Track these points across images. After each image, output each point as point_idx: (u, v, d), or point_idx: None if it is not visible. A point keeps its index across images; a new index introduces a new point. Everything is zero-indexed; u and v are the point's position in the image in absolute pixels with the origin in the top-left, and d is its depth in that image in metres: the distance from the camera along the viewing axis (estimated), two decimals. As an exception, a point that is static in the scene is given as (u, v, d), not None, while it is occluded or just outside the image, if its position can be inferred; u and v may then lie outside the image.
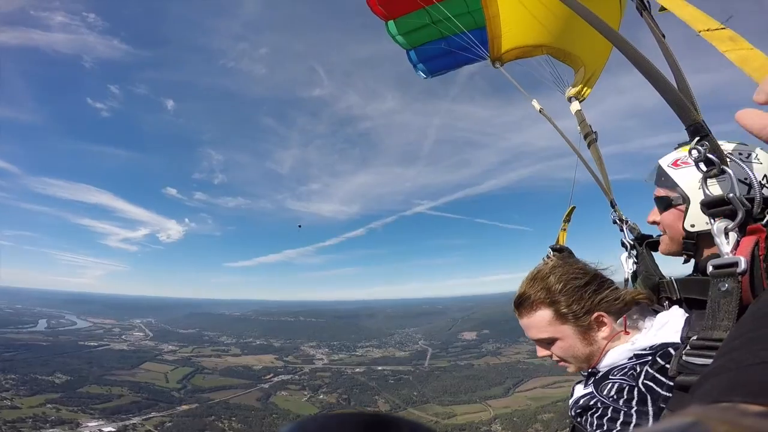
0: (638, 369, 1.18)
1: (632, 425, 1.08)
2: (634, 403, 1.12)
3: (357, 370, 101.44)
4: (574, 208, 2.15)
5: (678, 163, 1.30)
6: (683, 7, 1.09)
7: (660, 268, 1.68)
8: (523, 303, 1.39)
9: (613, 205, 2.03)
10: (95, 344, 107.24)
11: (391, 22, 2.93)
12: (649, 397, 1.10)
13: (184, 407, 68.63)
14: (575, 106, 2.04)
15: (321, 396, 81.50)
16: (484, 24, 2.27)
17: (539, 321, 1.35)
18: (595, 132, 1.87)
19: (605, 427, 1.16)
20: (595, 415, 1.21)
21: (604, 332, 1.33)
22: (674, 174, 1.29)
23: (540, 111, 2.06)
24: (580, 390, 1.41)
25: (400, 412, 76.28)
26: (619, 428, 1.11)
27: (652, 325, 1.30)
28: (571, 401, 1.41)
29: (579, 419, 1.31)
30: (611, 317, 1.34)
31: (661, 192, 1.38)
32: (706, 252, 1.25)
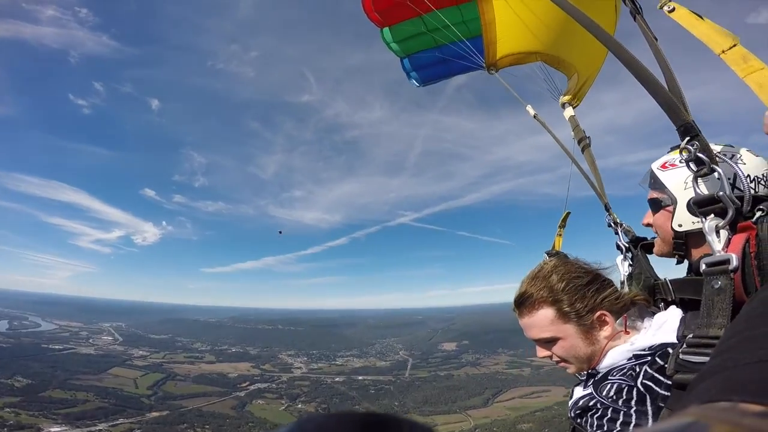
0: (637, 369, 1.17)
1: (632, 425, 1.09)
2: (633, 403, 1.12)
3: (337, 379, 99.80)
4: (569, 213, 2.16)
5: (666, 165, 1.34)
6: (698, 25, 1.09)
7: (655, 270, 1.71)
8: (524, 302, 1.35)
9: (607, 209, 2.04)
10: (60, 347, 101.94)
11: (386, 29, 2.93)
12: (648, 397, 1.10)
13: (154, 414, 65.67)
14: (569, 111, 2.07)
15: (299, 405, 79.67)
16: (478, 33, 2.31)
17: (541, 320, 1.32)
18: (588, 137, 1.91)
19: (605, 428, 1.16)
20: (595, 416, 1.21)
21: (605, 332, 1.32)
22: (663, 176, 1.33)
23: (534, 116, 2.09)
24: (579, 391, 1.40)
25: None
26: (618, 428, 1.12)
27: (651, 326, 1.30)
28: (570, 402, 1.40)
29: (579, 420, 1.30)
30: (612, 317, 1.33)
31: (653, 194, 1.40)
32: (695, 252, 1.28)
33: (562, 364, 1.37)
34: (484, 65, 2.37)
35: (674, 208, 1.29)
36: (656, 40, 1.27)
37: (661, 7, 1.18)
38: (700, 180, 1.03)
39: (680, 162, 1.18)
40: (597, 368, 1.32)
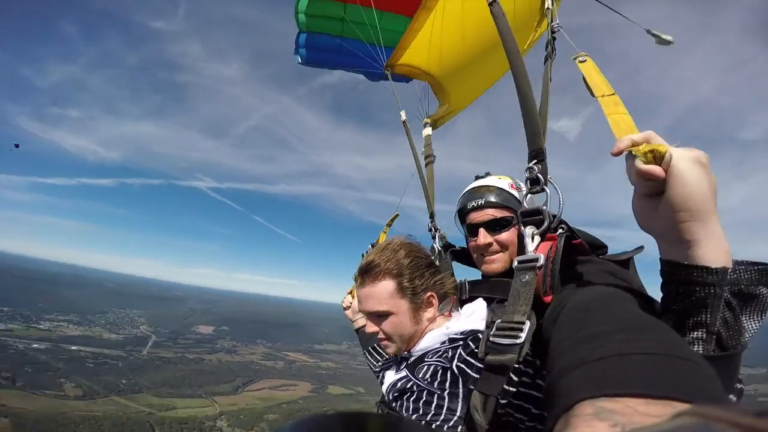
0: (451, 352, 1.23)
1: (444, 407, 1.15)
2: (447, 385, 1.18)
3: (36, 345, 75.27)
4: (397, 215, 2.37)
5: (513, 186, 1.51)
6: (595, 76, 1.29)
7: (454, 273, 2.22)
8: (369, 271, 1.38)
9: (432, 217, 2.28)
10: None
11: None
12: (460, 380, 1.16)
13: None
14: (427, 131, 2.35)
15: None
16: (392, 45, 2.44)
17: (381, 291, 1.36)
18: (434, 156, 2.32)
19: (420, 411, 1.20)
20: (411, 398, 1.25)
21: (429, 313, 1.39)
22: (518, 195, 1.45)
23: (404, 122, 2.30)
24: (391, 375, 1.45)
25: (97, 398, 61.66)
26: (433, 411, 1.17)
27: (461, 314, 1.39)
28: (385, 386, 1.44)
29: (395, 404, 1.33)
30: (437, 300, 1.42)
31: (503, 213, 1.50)
32: None
33: (385, 342, 1.41)
34: (382, 66, 2.48)
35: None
36: (550, 81, 1.49)
37: (575, 59, 1.38)
38: (530, 196, 1.24)
39: (517, 186, 1.49)
40: (412, 351, 1.39)
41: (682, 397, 0.42)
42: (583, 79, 1.31)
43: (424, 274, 1.38)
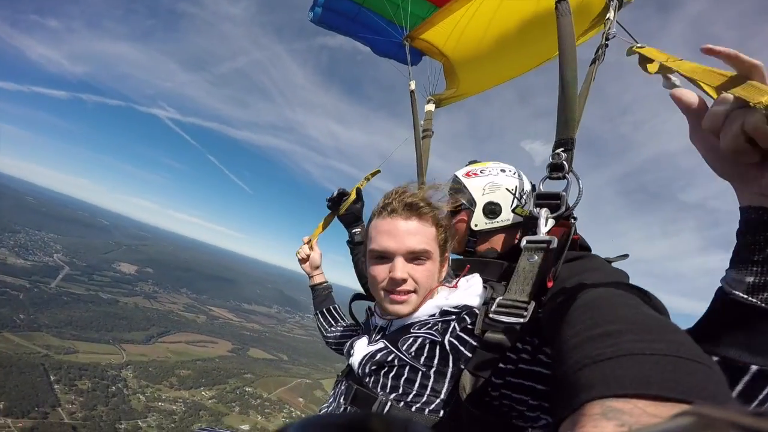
0: (442, 326, 1.10)
1: (428, 387, 1.03)
2: (435, 362, 1.04)
3: None
4: (379, 171, 2.30)
5: (470, 174, 1.54)
6: (658, 53, 1.30)
7: None
8: (418, 208, 1.19)
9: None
10: None
11: None
12: (451, 357, 1.03)
13: None
14: (430, 107, 2.43)
15: None
16: (405, 25, 2.49)
17: (425, 230, 1.19)
18: (432, 132, 2.41)
19: (400, 390, 1.06)
20: (390, 374, 1.10)
21: (443, 275, 1.27)
22: (467, 182, 1.51)
23: (411, 92, 2.34)
24: (363, 345, 1.27)
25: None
26: (414, 391, 1.04)
27: (459, 286, 1.24)
28: (357, 358, 1.22)
29: (368, 379, 1.15)
30: (448, 266, 1.31)
31: (451, 201, 1.55)
32: (481, 247, 1.49)
33: (406, 296, 1.18)
34: (402, 37, 2.51)
35: (473, 211, 1.46)
36: (593, 80, 1.54)
37: (635, 48, 1.32)
38: (548, 181, 1.25)
39: (480, 172, 1.49)
40: (395, 320, 1.22)
41: (691, 399, 0.42)
42: (641, 58, 1.28)
43: (451, 235, 1.27)
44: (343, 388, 1.24)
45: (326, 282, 2.05)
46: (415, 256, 1.16)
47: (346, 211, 2.01)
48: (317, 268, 2.04)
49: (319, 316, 1.94)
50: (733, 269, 0.67)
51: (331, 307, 1.95)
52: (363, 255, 1.39)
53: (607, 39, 1.56)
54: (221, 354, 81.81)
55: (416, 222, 1.17)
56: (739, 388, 0.60)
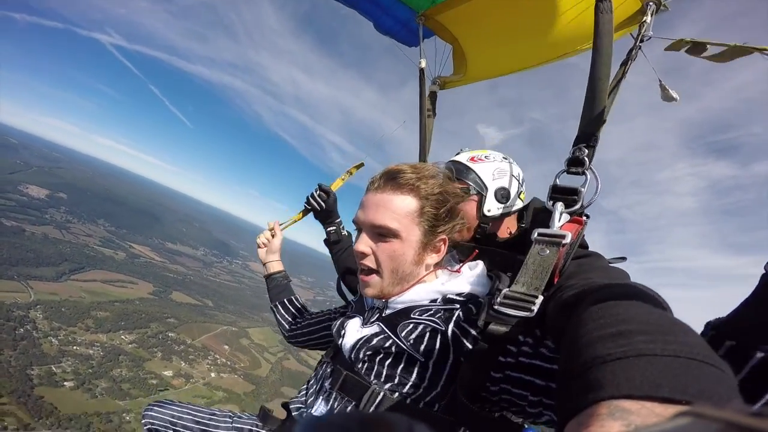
0: (445, 313, 1.01)
1: (426, 379, 0.97)
2: (435, 352, 0.96)
3: None
4: (363, 164, 2.20)
5: (475, 159, 1.52)
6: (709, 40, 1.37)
7: None
8: (396, 178, 1.09)
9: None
10: None
11: None
12: (452, 348, 0.95)
13: None
14: (434, 88, 2.35)
15: None
16: (413, 7, 2.43)
17: (398, 205, 1.07)
18: (435, 112, 2.31)
19: (396, 380, 0.99)
20: (386, 362, 1.01)
21: (432, 259, 1.13)
22: (475, 167, 1.49)
23: (421, 70, 2.29)
24: (356, 326, 1.16)
25: None
26: (411, 382, 0.97)
27: (462, 273, 1.15)
28: (352, 340, 1.11)
29: (360, 365, 1.06)
30: (446, 249, 1.16)
31: (457, 185, 1.46)
32: (490, 233, 1.50)
33: (368, 277, 1.11)
34: (416, 15, 2.43)
35: (484, 196, 1.46)
36: (623, 77, 1.48)
37: (682, 43, 1.46)
38: (564, 175, 1.23)
39: (485, 158, 1.51)
40: (390, 302, 1.12)
41: (701, 401, 0.41)
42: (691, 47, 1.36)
43: (447, 212, 1.13)
44: (328, 371, 1.20)
45: (283, 271, 1.85)
46: (379, 232, 1.09)
47: (320, 207, 1.90)
48: (274, 254, 1.85)
49: (279, 308, 1.76)
50: None
51: (292, 297, 1.79)
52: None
53: (641, 40, 1.54)
54: (142, 296, 78.89)
55: (389, 194, 1.08)
56: None
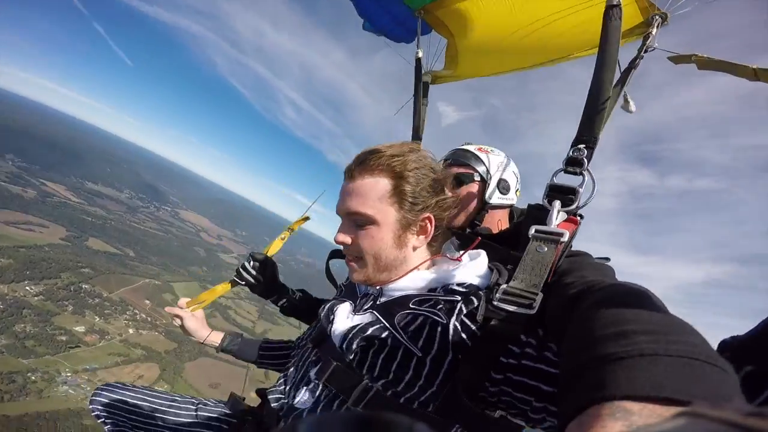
0: (446, 305, 0.93)
1: (422, 377, 0.88)
2: (434, 349, 0.88)
3: None
4: (307, 218, 1.94)
5: (482, 149, 1.60)
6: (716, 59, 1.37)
7: None
8: (368, 161, 1.04)
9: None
10: None
11: None
12: (451, 343, 0.87)
13: None
14: (427, 78, 2.43)
15: None
16: (413, 3, 2.39)
17: (372, 189, 1.02)
18: (427, 102, 2.36)
19: (390, 377, 0.91)
20: (381, 355, 0.93)
21: (418, 241, 1.06)
22: (483, 156, 1.57)
23: (418, 59, 2.32)
24: (347, 313, 1.09)
25: None
26: (407, 380, 0.89)
27: (463, 261, 1.05)
28: (343, 329, 1.02)
29: (351, 356, 0.97)
30: (433, 226, 1.07)
31: (460, 170, 1.58)
32: (485, 223, 1.55)
33: (353, 263, 1.09)
34: (415, 9, 2.39)
35: (488, 184, 1.53)
36: (625, 84, 1.48)
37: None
38: (561, 174, 1.22)
39: (492, 151, 1.60)
40: (386, 288, 1.07)
41: (703, 401, 0.41)
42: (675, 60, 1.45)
43: (427, 189, 1.05)
44: (313, 358, 1.13)
45: (230, 334, 1.64)
46: (355, 220, 1.05)
47: (255, 281, 1.69)
48: (204, 329, 1.59)
49: (266, 361, 1.62)
50: None
51: (264, 345, 1.64)
52: None
53: (645, 51, 1.55)
54: (52, 241, 72.28)
55: (360, 180, 1.04)
56: None
